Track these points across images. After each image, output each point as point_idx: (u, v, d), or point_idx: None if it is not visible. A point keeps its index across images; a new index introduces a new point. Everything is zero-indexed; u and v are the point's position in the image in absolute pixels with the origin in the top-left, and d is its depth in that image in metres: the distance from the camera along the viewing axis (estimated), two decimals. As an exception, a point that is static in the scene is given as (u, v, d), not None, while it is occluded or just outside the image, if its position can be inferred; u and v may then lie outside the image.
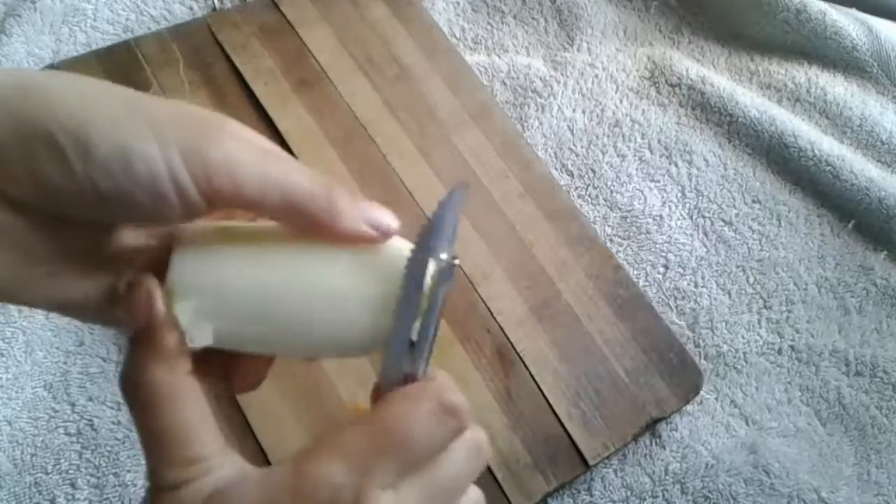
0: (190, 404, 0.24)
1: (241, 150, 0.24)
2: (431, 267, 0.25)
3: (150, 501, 0.24)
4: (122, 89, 0.23)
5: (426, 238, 0.25)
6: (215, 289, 0.25)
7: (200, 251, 0.26)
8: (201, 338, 0.25)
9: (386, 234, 0.26)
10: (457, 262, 0.25)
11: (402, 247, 0.27)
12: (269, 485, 0.24)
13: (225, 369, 0.28)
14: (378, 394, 0.26)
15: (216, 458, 0.24)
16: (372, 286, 0.26)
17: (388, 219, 0.26)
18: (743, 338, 0.59)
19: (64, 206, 0.23)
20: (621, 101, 0.68)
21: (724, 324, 0.59)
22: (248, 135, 0.25)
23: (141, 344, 0.24)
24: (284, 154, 0.25)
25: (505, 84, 0.68)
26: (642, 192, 0.64)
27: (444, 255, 0.25)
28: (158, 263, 0.26)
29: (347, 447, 0.24)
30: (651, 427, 0.53)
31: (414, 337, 0.25)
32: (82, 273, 0.25)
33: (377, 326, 0.26)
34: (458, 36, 0.71)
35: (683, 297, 0.60)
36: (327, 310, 0.26)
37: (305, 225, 0.25)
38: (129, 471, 0.48)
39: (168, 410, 0.24)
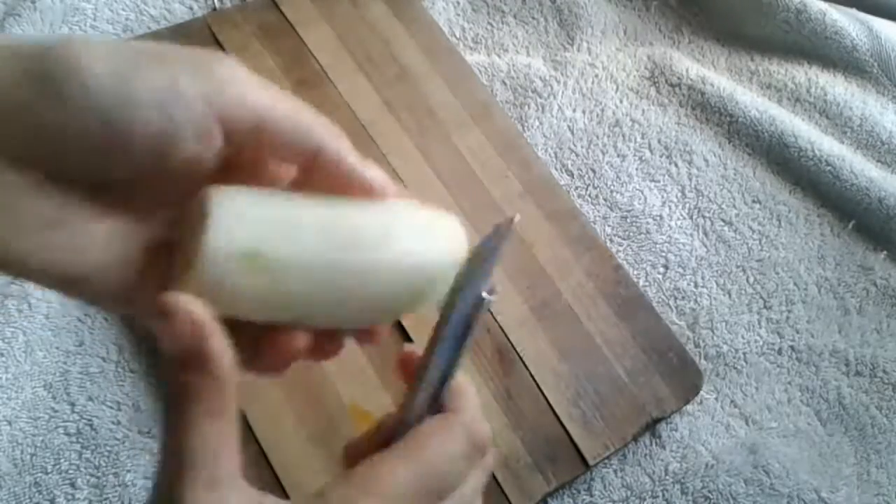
0: (227, 423, 0.23)
1: (244, 72, 0.23)
2: (473, 301, 0.26)
3: None
4: (128, 40, 0.23)
5: (471, 272, 0.26)
6: (260, 228, 0.23)
7: (238, 197, 0.24)
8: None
9: (384, 191, 0.26)
10: (495, 297, 0.26)
11: (430, 215, 0.28)
12: None
13: (254, 343, 0.26)
14: (404, 419, 0.27)
15: (234, 491, 0.23)
16: (421, 255, 0.26)
17: (385, 178, 0.26)
18: (743, 338, 0.59)
19: (67, 152, 0.21)
20: (621, 101, 0.68)
21: (724, 324, 0.59)
22: (248, 69, 0.24)
23: (187, 364, 0.22)
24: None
25: (505, 84, 0.68)
26: (642, 192, 0.64)
27: (484, 293, 0.25)
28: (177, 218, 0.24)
29: (391, 491, 0.24)
30: (651, 427, 0.53)
31: (447, 373, 0.26)
32: (86, 232, 0.23)
33: (420, 295, 0.26)
34: (458, 36, 0.71)
35: (683, 297, 0.60)
36: (376, 273, 0.25)
37: (309, 149, 0.24)
38: (129, 471, 0.48)
39: (209, 427, 0.22)
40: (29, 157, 0.21)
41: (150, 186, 0.24)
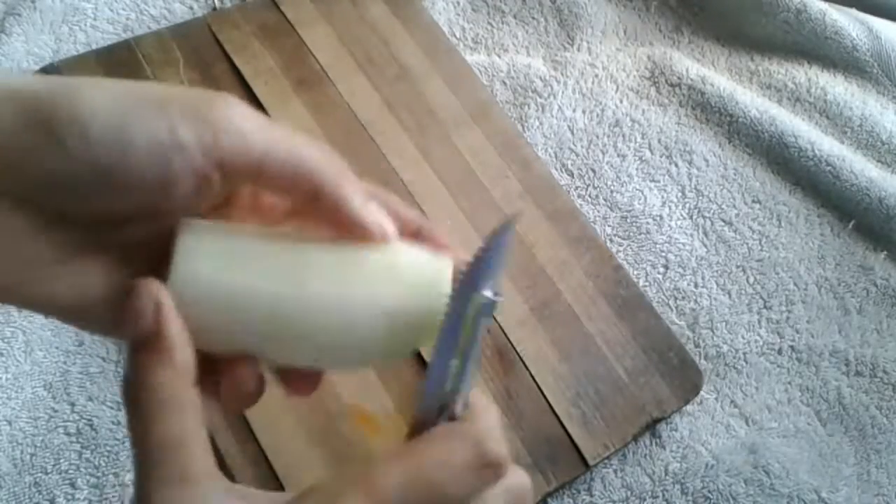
0: (191, 416, 0.23)
1: (244, 113, 0.23)
2: (476, 302, 0.25)
3: None
4: (128, 82, 0.23)
5: (474, 272, 0.25)
6: (225, 266, 0.24)
7: (207, 231, 0.25)
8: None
9: (383, 237, 0.26)
10: (500, 298, 0.25)
11: (418, 257, 0.26)
12: None
13: (215, 387, 0.27)
14: (414, 426, 0.25)
15: (205, 484, 0.22)
16: (393, 298, 0.25)
17: (386, 222, 0.26)
18: (743, 338, 0.59)
19: (67, 197, 0.22)
20: (621, 101, 0.68)
21: (724, 324, 0.59)
22: (248, 107, 0.24)
23: (146, 347, 0.23)
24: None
25: (505, 84, 0.68)
26: (642, 192, 0.64)
27: (487, 292, 0.25)
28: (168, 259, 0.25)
29: (380, 491, 0.22)
30: (651, 427, 0.53)
31: (452, 371, 0.25)
32: (85, 269, 0.24)
33: (392, 340, 0.26)
34: (458, 36, 0.71)
35: (683, 297, 0.60)
36: (340, 312, 0.25)
37: (311, 195, 0.24)
38: (128, 471, 0.48)
39: (169, 418, 0.22)
40: (30, 199, 0.22)
41: (147, 223, 0.25)
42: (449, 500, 0.23)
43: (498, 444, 0.24)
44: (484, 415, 0.25)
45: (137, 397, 0.23)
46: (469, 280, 0.25)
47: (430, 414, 0.25)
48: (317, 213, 0.25)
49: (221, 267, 0.24)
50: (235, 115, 0.23)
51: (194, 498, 0.22)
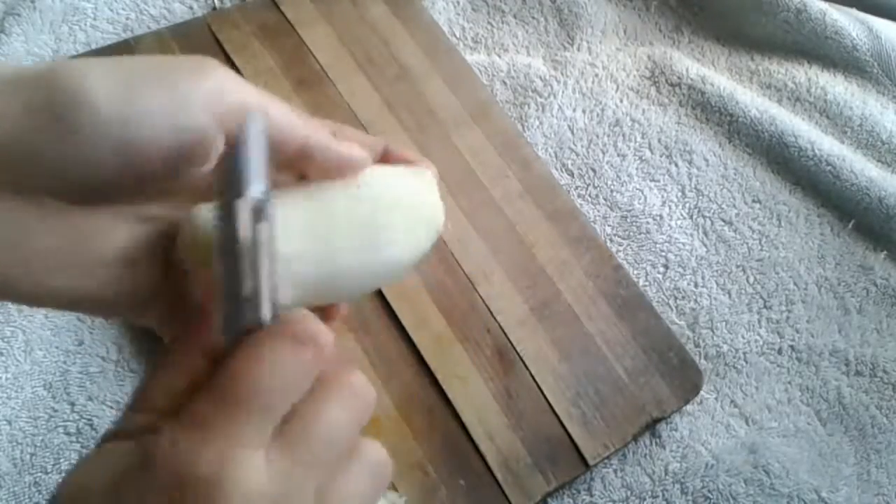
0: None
1: (235, 76, 0.24)
2: (244, 207, 0.22)
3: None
4: (122, 57, 0.23)
5: (229, 178, 0.22)
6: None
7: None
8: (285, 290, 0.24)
9: (363, 163, 0.27)
10: (266, 196, 0.22)
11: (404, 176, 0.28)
12: (114, 470, 0.20)
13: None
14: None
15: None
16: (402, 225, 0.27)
17: (360, 151, 0.27)
18: (743, 338, 0.59)
19: (81, 183, 0.22)
20: (621, 101, 0.68)
21: (724, 324, 0.59)
22: (231, 70, 0.24)
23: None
24: None
25: (505, 84, 0.68)
26: (642, 192, 0.64)
27: (254, 193, 0.22)
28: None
29: (195, 414, 0.20)
30: (651, 427, 0.53)
31: (246, 288, 0.22)
32: (103, 254, 0.23)
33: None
34: (458, 35, 0.71)
35: (683, 297, 0.60)
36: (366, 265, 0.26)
37: (299, 143, 0.25)
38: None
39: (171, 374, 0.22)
40: (39, 187, 0.21)
41: (161, 200, 0.24)
42: (274, 393, 0.21)
43: (309, 323, 0.22)
44: (296, 316, 0.23)
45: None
46: (229, 186, 0.22)
47: (225, 334, 0.22)
48: (307, 161, 0.26)
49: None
50: (230, 77, 0.24)
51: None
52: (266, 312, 0.22)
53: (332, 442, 0.22)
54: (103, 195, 0.23)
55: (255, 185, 0.22)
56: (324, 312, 0.28)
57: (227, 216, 0.22)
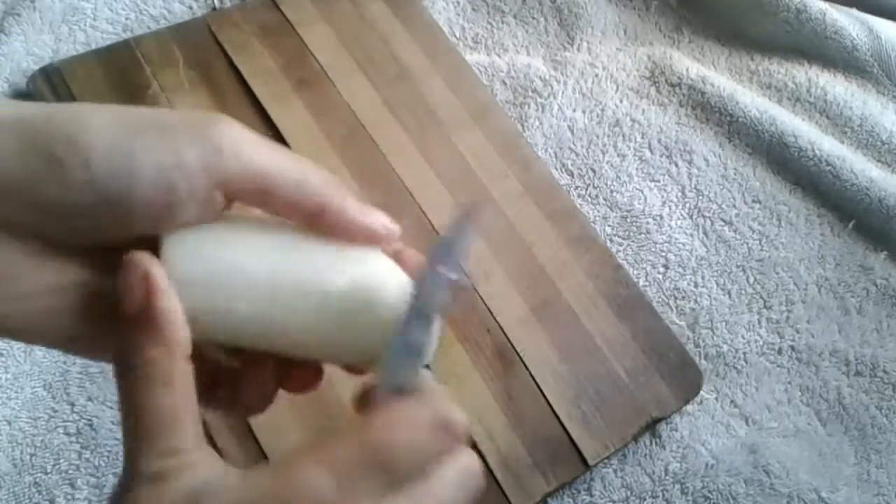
0: (182, 391, 0.23)
1: (245, 135, 0.24)
2: (437, 283, 0.25)
3: (123, 495, 0.22)
4: (127, 107, 0.23)
5: (433, 253, 0.25)
6: (212, 266, 0.24)
7: (193, 232, 0.24)
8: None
9: (390, 235, 0.26)
10: (460, 279, 0.26)
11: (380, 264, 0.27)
12: (250, 488, 0.22)
13: (232, 392, 0.27)
14: (364, 402, 0.26)
15: (195, 454, 0.23)
16: (369, 306, 0.26)
17: (390, 223, 0.26)
18: (743, 338, 0.59)
19: (68, 225, 0.22)
20: (621, 101, 0.68)
21: (724, 324, 0.59)
22: (247, 129, 0.24)
23: (136, 322, 0.22)
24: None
25: (505, 84, 0.68)
26: (642, 192, 0.64)
27: (450, 273, 0.25)
28: None
29: (334, 457, 0.22)
30: (651, 427, 0.54)
31: (413, 351, 0.25)
32: (82, 295, 0.24)
33: (372, 340, 0.26)
34: (458, 35, 0.71)
35: (683, 297, 0.60)
36: (326, 307, 0.25)
37: (313, 208, 0.25)
38: (128, 471, 0.48)
39: (159, 394, 0.22)
40: (29, 227, 0.22)
41: (145, 245, 0.24)
42: (407, 463, 0.23)
43: (452, 409, 0.24)
44: (438, 392, 0.25)
45: (127, 374, 0.22)
46: (430, 260, 0.25)
47: (389, 398, 0.24)
48: (321, 226, 0.26)
49: (210, 241, 0.24)
50: (237, 136, 0.23)
51: (183, 468, 0.22)
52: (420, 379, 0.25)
53: None
54: (81, 237, 0.23)
55: (453, 268, 0.25)
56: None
57: (422, 286, 0.25)
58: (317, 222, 0.25)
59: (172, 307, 0.23)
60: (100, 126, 0.22)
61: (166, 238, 0.24)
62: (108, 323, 0.23)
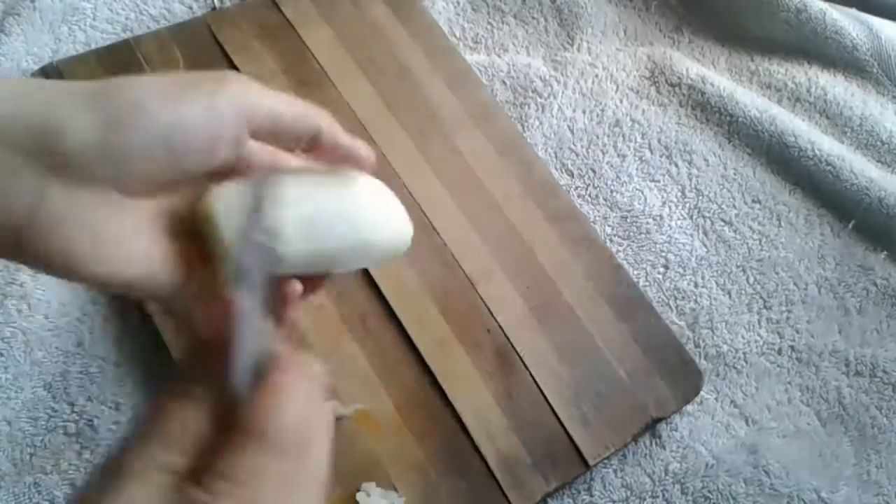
0: (194, 405, 0.24)
1: (253, 83, 0.29)
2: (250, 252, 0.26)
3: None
4: (163, 75, 0.28)
5: (247, 229, 0.26)
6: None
7: (232, 184, 0.29)
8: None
9: (369, 159, 0.32)
10: (272, 241, 0.27)
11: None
12: None
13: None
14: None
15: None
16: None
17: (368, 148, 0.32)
18: (743, 338, 0.59)
19: (135, 174, 0.26)
20: (621, 101, 0.68)
21: (724, 324, 0.59)
22: (253, 80, 0.29)
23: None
24: None
25: (505, 84, 0.68)
26: (642, 192, 0.64)
27: (259, 237, 0.26)
28: None
29: (243, 467, 0.23)
30: (651, 427, 0.53)
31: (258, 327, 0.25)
32: (151, 237, 0.28)
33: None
34: (458, 35, 0.70)
35: (683, 297, 0.60)
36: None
37: (312, 130, 0.30)
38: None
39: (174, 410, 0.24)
40: (105, 179, 0.26)
41: (189, 188, 0.29)
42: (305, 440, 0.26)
43: (310, 363, 0.27)
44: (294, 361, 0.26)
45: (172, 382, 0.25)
46: (247, 236, 0.26)
47: (245, 381, 0.24)
48: (317, 151, 0.31)
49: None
50: (250, 86, 0.29)
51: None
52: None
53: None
54: (154, 185, 0.27)
55: (261, 230, 0.27)
56: (312, 283, 0.32)
57: (245, 262, 0.26)
58: (315, 144, 0.31)
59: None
60: (150, 88, 0.26)
61: (214, 191, 0.29)
62: (188, 242, 0.28)
